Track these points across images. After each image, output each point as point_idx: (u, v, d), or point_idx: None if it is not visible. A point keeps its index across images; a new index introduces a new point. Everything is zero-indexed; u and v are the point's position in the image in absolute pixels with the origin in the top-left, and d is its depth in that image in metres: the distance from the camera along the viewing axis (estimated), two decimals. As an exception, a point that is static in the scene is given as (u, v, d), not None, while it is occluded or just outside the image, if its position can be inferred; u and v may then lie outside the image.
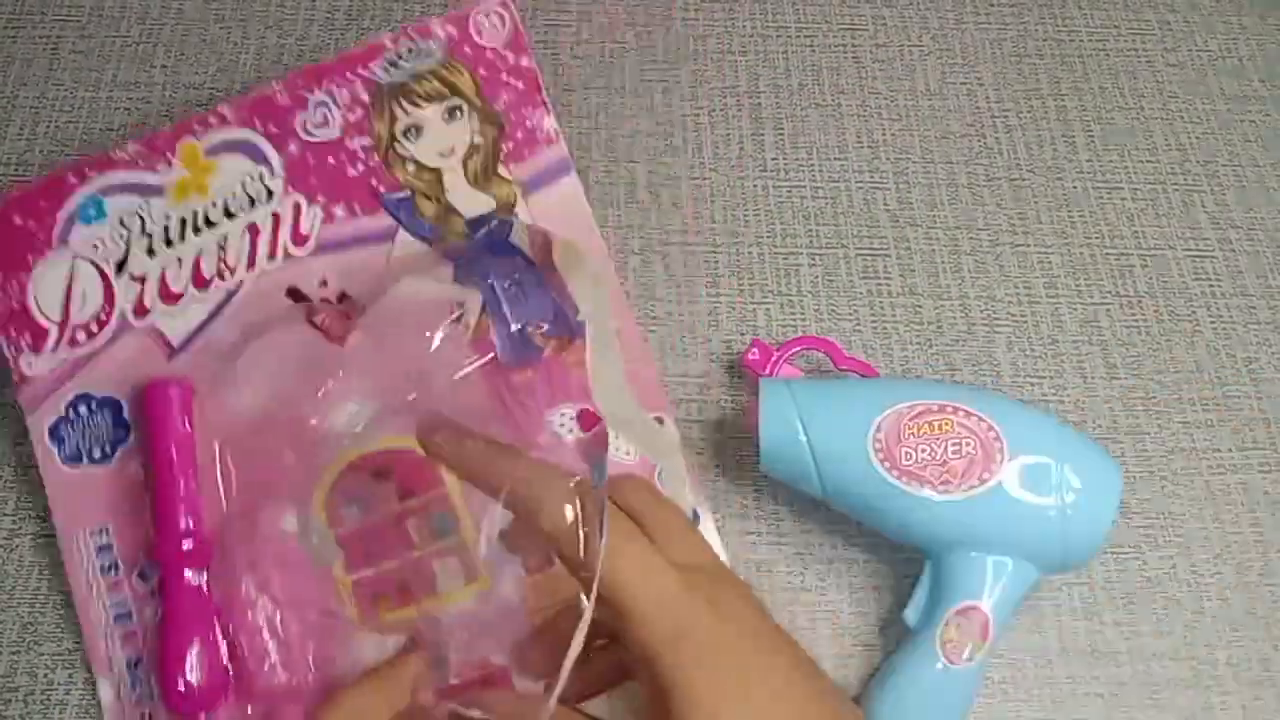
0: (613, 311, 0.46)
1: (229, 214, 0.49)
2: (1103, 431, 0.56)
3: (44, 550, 0.51)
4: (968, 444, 0.46)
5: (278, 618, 0.45)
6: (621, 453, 0.48)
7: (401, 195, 0.49)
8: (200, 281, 0.49)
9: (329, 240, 0.49)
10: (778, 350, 0.54)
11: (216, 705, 0.46)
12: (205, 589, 0.46)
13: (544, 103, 0.49)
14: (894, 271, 0.59)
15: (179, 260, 0.49)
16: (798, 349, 0.54)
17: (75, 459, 0.48)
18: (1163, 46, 0.67)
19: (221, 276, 0.49)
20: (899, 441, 0.47)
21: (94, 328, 0.49)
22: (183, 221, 0.49)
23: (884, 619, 0.51)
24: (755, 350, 0.53)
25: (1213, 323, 0.59)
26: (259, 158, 0.50)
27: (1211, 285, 0.60)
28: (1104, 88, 0.65)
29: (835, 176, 0.61)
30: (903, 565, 0.52)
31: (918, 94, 0.64)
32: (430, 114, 0.49)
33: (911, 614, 0.48)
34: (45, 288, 0.49)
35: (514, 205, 0.49)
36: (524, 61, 0.49)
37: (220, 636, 0.46)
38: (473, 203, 0.49)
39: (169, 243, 0.49)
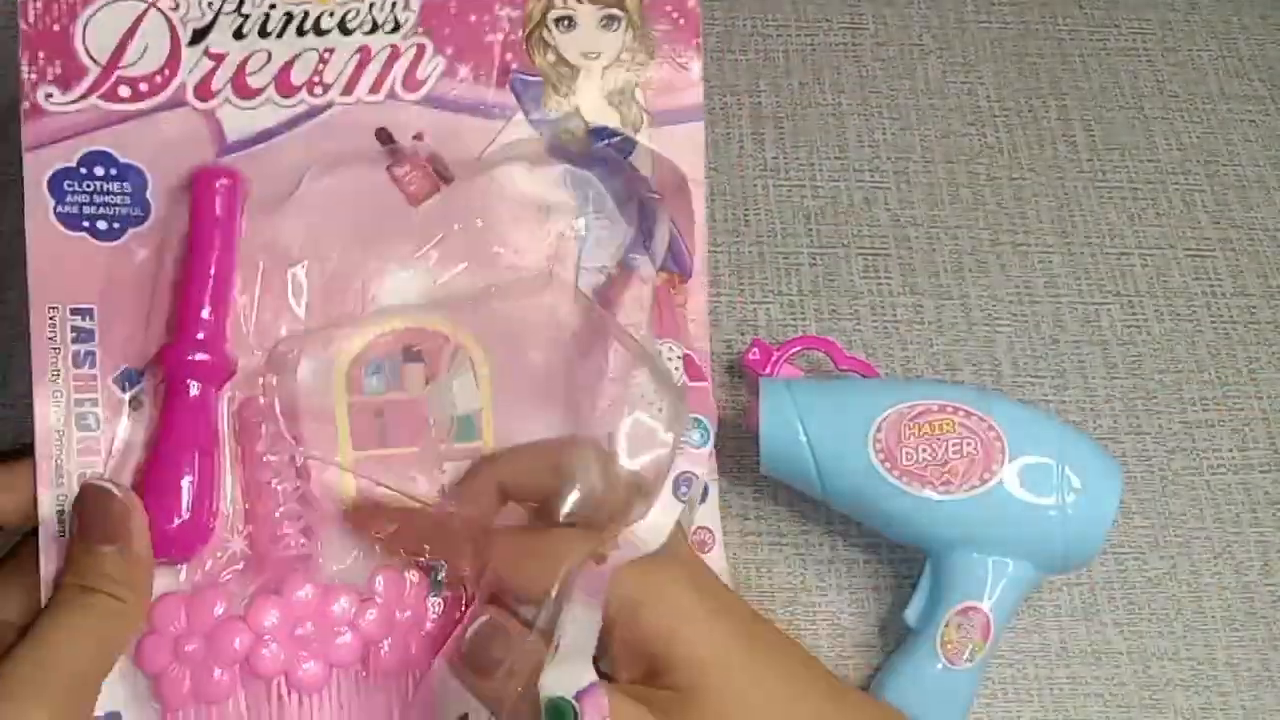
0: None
1: (344, 29, 0.43)
2: (1103, 431, 0.56)
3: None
4: (968, 444, 0.46)
5: (293, 478, 0.42)
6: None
7: (534, 78, 0.45)
8: (285, 87, 0.43)
9: (441, 96, 0.44)
10: (778, 350, 0.54)
11: (194, 552, 0.41)
12: (212, 412, 0.41)
13: (698, 45, 0.46)
14: (894, 271, 0.59)
15: (269, 55, 0.43)
16: (798, 349, 0.54)
17: (73, 222, 0.41)
18: (1163, 46, 0.67)
19: (311, 91, 0.43)
20: (899, 442, 0.47)
21: (143, 87, 0.42)
22: (288, 16, 0.43)
23: (884, 619, 0.51)
24: (755, 350, 0.53)
25: (1213, 323, 0.59)
26: None
27: (1212, 285, 0.60)
28: (1104, 87, 0.65)
29: (835, 176, 0.61)
30: (903, 565, 0.52)
31: (918, 93, 0.64)
32: (589, 12, 0.45)
33: (912, 614, 0.48)
34: (101, 24, 0.41)
35: (638, 130, 0.46)
36: (690, 1, 0.46)
37: (218, 475, 0.41)
38: (600, 113, 0.46)
39: (264, 33, 0.43)
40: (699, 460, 0.42)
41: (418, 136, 0.44)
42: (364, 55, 0.43)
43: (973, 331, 0.58)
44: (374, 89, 0.44)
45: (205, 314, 0.40)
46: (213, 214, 0.41)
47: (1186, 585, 0.52)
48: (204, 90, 0.42)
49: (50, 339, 0.41)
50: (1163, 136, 0.64)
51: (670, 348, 0.44)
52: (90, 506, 0.37)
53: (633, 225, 0.45)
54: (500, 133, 0.44)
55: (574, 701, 0.34)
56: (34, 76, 0.41)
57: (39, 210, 0.41)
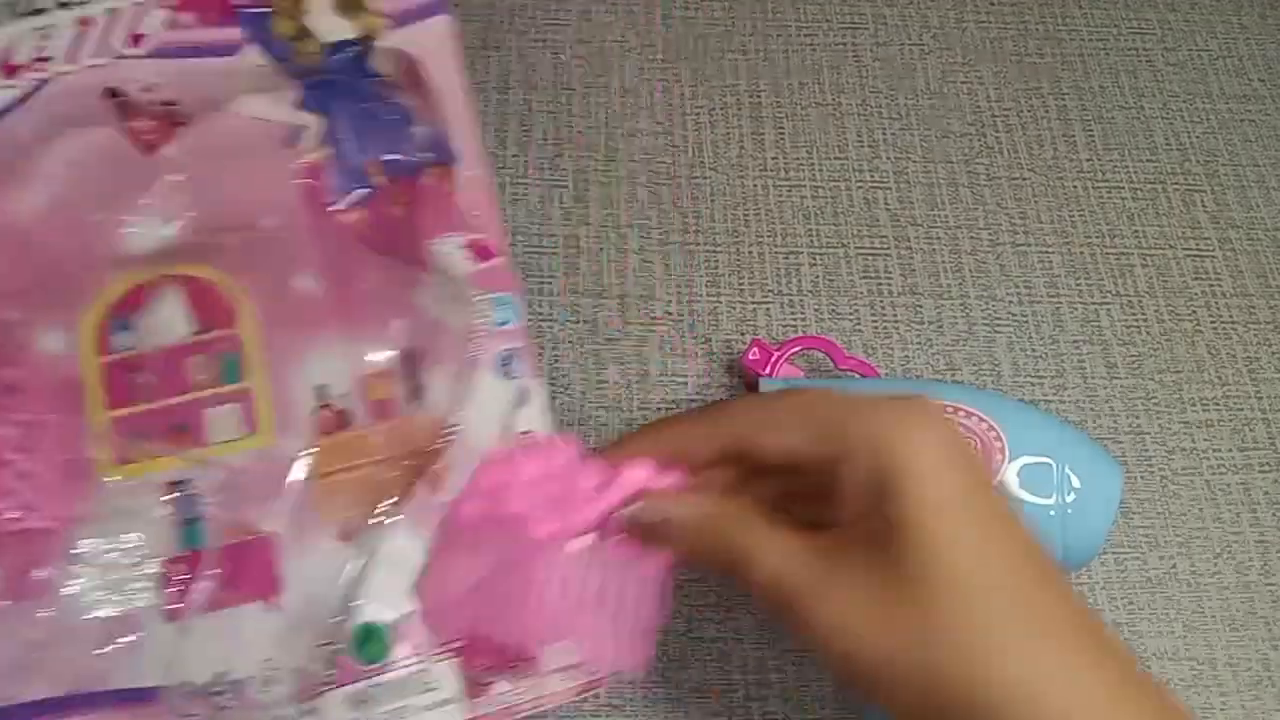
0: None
1: (62, 3, 0.44)
2: (1103, 431, 0.56)
3: None
4: (969, 444, 0.46)
5: (22, 455, 0.40)
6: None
7: (259, 9, 0.45)
8: (8, 70, 0.43)
9: (168, 45, 0.44)
10: (777, 350, 0.54)
11: None
12: None
13: None
14: (894, 271, 0.59)
15: None
16: (798, 349, 0.54)
17: None
18: (1163, 46, 0.67)
19: (35, 69, 0.43)
20: None
21: None
22: (8, 4, 0.44)
23: (884, 619, 0.51)
24: (755, 350, 0.53)
25: (1213, 323, 0.59)
26: None
27: (1211, 285, 0.60)
28: (1104, 87, 0.65)
29: (835, 176, 0.61)
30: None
31: (918, 93, 0.64)
32: None
33: None
34: None
35: (377, 38, 0.46)
36: None
37: None
38: (334, 28, 0.46)
39: None
40: (516, 336, 0.41)
41: (147, 90, 0.43)
42: (83, 24, 0.44)
43: (973, 331, 0.58)
44: (99, 54, 0.44)
45: None
46: None
47: (1186, 585, 0.52)
48: None
49: None
50: (1163, 136, 0.64)
51: (450, 240, 0.44)
52: None
53: (379, 131, 0.44)
54: (235, 67, 0.44)
55: (387, 628, 0.35)
56: None
57: None
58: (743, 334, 0.57)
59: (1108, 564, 0.53)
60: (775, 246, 0.59)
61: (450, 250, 0.43)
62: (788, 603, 0.32)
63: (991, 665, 0.29)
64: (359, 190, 0.44)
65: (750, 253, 0.59)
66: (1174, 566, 0.53)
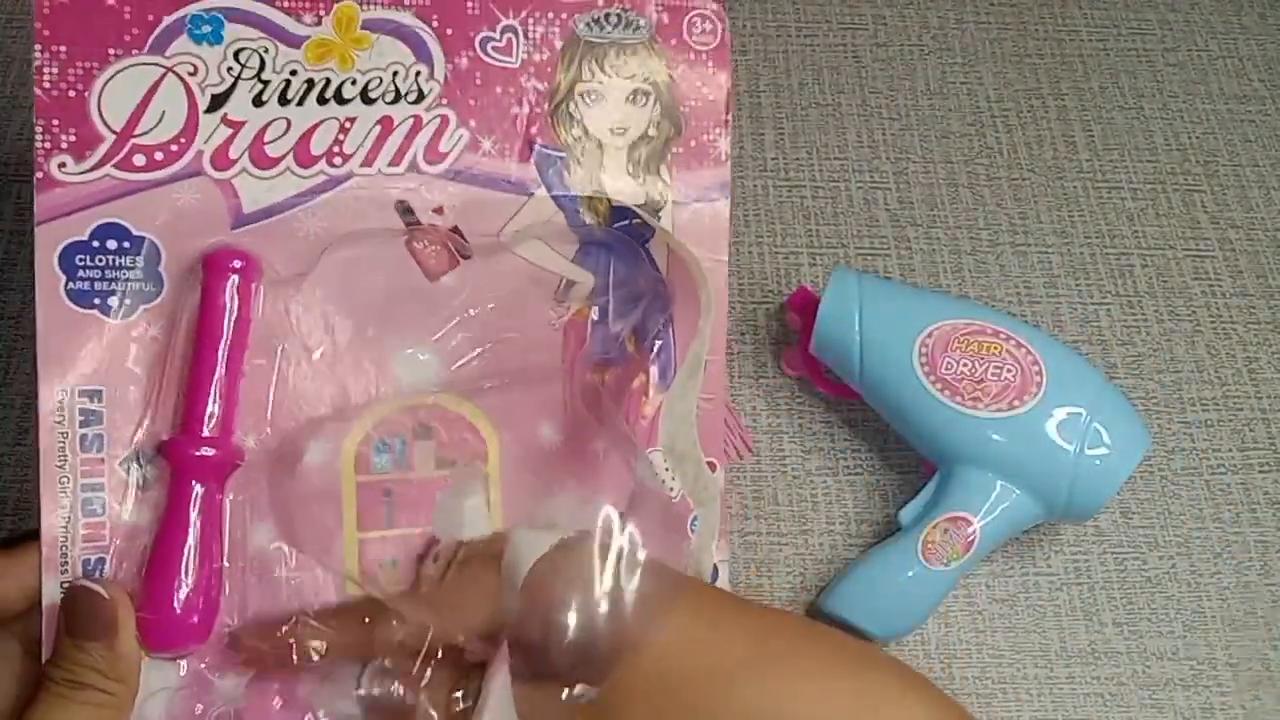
0: (711, 344, 0.43)
1: (366, 98, 0.42)
2: (1103, 431, 0.56)
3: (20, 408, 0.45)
4: (1009, 370, 0.48)
5: (291, 564, 0.41)
6: (667, 486, 0.45)
7: (558, 153, 0.44)
8: (305, 157, 0.41)
9: (464, 169, 0.43)
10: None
11: (191, 647, 0.40)
12: (216, 508, 0.40)
13: (727, 122, 0.45)
14: (894, 271, 0.59)
15: (288, 123, 0.41)
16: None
17: (84, 299, 0.40)
18: (1163, 46, 0.67)
19: (330, 162, 0.42)
20: (945, 351, 0.49)
21: (159, 155, 0.40)
22: (309, 83, 0.41)
23: (884, 619, 0.51)
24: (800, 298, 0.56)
25: (1213, 323, 0.59)
26: (423, 53, 0.43)
27: (1211, 285, 0.60)
28: (1104, 87, 0.65)
29: (835, 176, 0.61)
30: (903, 565, 0.52)
31: (918, 93, 0.64)
32: (617, 86, 0.44)
33: (906, 515, 0.50)
34: (117, 90, 0.40)
35: (661, 209, 0.45)
36: (722, 76, 0.44)
37: (219, 569, 0.40)
38: (623, 191, 0.44)
39: (285, 100, 0.41)
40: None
41: (438, 210, 0.42)
42: (385, 125, 0.42)
43: (972, 331, 0.58)
44: (395, 161, 0.42)
45: (212, 407, 0.39)
46: (223, 299, 0.40)
47: (1186, 585, 0.52)
48: (221, 159, 0.41)
49: (58, 423, 0.39)
50: (1163, 136, 0.64)
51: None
52: (78, 606, 0.37)
53: (636, 312, 0.45)
54: (522, 208, 0.43)
55: None
56: (47, 144, 0.40)
57: (49, 286, 0.39)
58: (743, 334, 0.57)
59: (1107, 564, 0.53)
60: (775, 246, 0.59)
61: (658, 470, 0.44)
62: None
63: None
64: (614, 356, 0.44)
65: (750, 253, 0.59)
66: (1174, 566, 0.53)
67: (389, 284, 0.42)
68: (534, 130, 0.44)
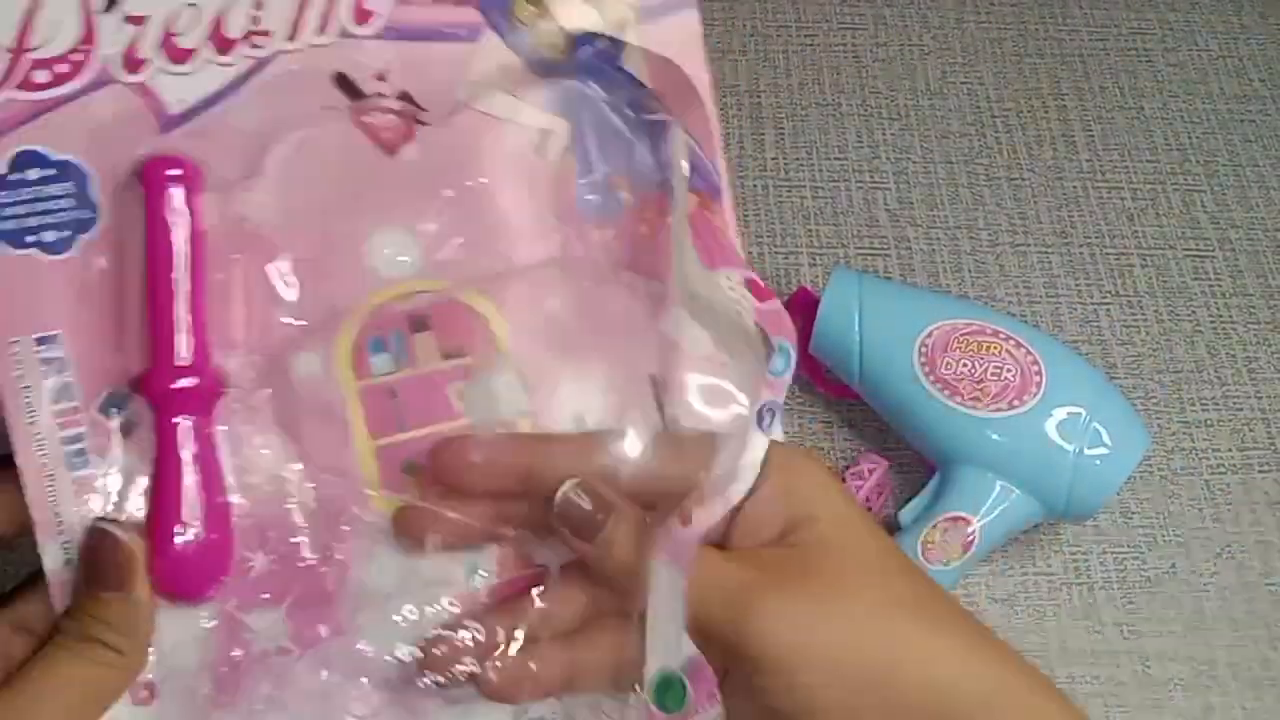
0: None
1: None
2: (1103, 431, 0.56)
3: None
4: (1008, 370, 0.48)
5: (303, 487, 0.38)
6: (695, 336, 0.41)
7: None
8: (222, 43, 0.37)
9: (399, 25, 0.38)
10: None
11: (210, 589, 0.37)
12: (210, 441, 0.37)
13: None
14: (894, 271, 0.59)
15: (196, 8, 0.37)
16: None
17: (16, 239, 0.36)
18: (1163, 46, 0.67)
19: (251, 42, 0.37)
20: (944, 351, 0.49)
21: (62, 68, 0.36)
22: None
23: (884, 619, 0.51)
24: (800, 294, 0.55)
25: (1213, 323, 0.59)
26: None
27: (1211, 285, 0.60)
28: (1104, 87, 0.65)
29: (835, 176, 0.61)
30: (903, 565, 0.52)
31: (918, 93, 0.64)
32: None
33: (907, 515, 0.50)
34: None
35: (624, 29, 0.40)
36: None
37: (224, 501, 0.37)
38: (578, 16, 0.39)
39: None
40: (780, 388, 0.38)
41: (379, 77, 0.38)
42: None
43: (972, 331, 0.58)
44: (321, 28, 0.38)
45: (180, 335, 0.36)
46: (168, 214, 0.36)
47: (1186, 585, 0.52)
48: (131, 61, 0.36)
49: (18, 377, 0.35)
50: (1163, 136, 0.64)
51: (727, 277, 0.40)
52: (96, 551, 0.35)
53: (643, 143, 0.40)
54: (472, 57, 0.39)
55: (683, 674, 0.33)
56: None
57: None
58: (742, 334, 0.57)
59: (1108, 564, 0.53)
60: (775, 247, 0.59)
61: (733, 287, 0.40)
62: (731, 610, 0.34)
63: (896, 646, 0.34)
64: (607, 206, 0.40)
65: (751, 253, 0.59)
66: (1174, 566, 0.53)
67: (345, 168, 0.38)
68: None
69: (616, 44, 0.39)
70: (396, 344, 0.38)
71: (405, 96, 0.38)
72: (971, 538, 0.48)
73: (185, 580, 0.37)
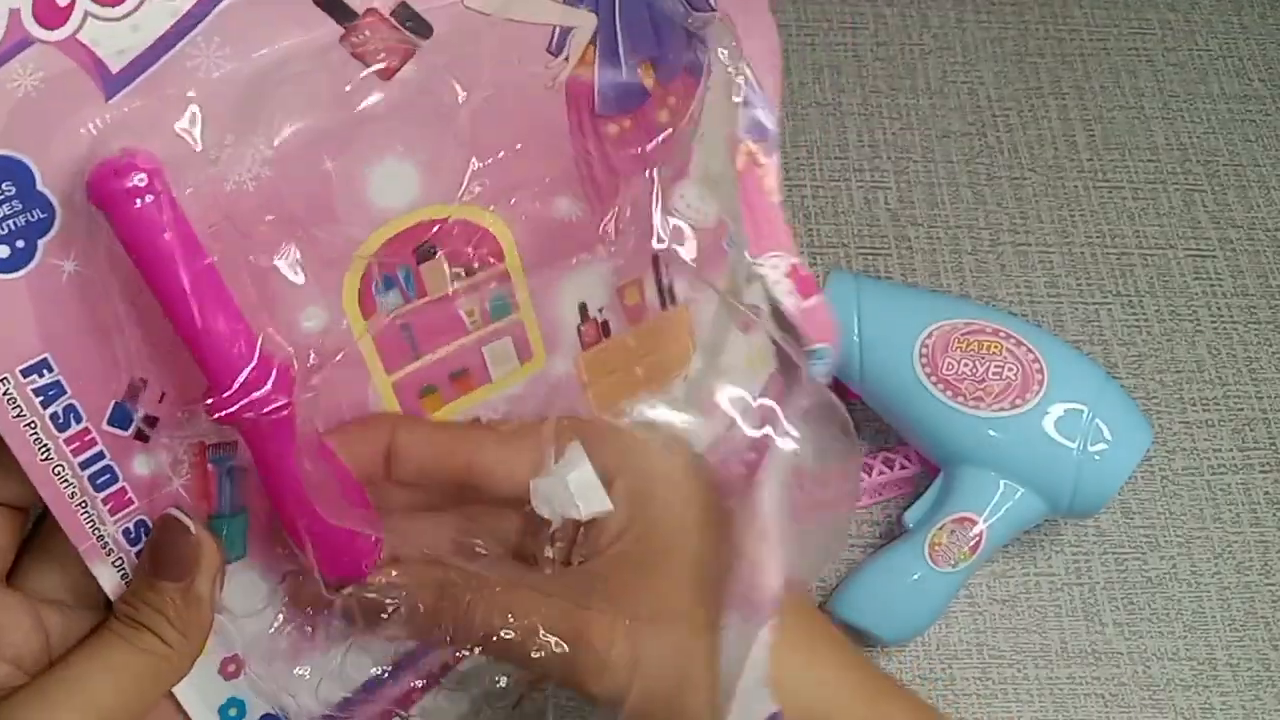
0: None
1: None
2: (1103, 431, 0.56)
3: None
4: (1010, 369, 0.48)
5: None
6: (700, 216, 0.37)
7: None
8: None
9: None
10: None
11: (375, 559, 0.36)
12: (293, 425, 0.33)
13: None
14: (895, 271, 0.59)
15: None
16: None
17: None
18: (1163, 46, 0.67)
19: None
20: (945, 351, 0.49)
21: None
22: None
23: (884, 619, 0.51)
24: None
25: (1213, 323, 0.59)
26: None
27: (1212, 285, 0.60)
28: (1105, 87, 0.65)
29: (835, 176, 0.61)
30: (903, 565, 0.52)
31: (918, 93, 0.64)
32: None
33: (911, 516, 0.50)
34: None
35: None
36: None
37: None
38: None
39: None
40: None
41: None
42: None
43: (973, 331, 0.58)
44: None
45: (230, 353, 0.31)
46: (156, 242, 0.29)
47: (1186, 585, 0.52)
48: (48, 13, 0.27)
49: (17, 418, 0.31)
50: (1163, 136, 0.64)
51: (774, 266, 0.36)
52: (163, 540, 0.34)
53: (656, 34, 0.34)
54: None
55: None
56: None
57: None
58: (743, 334, 0.57)
59: (1108, 564, 0.53)
60: (775, 246, 0.59)
61: (776, 277, 0.37)
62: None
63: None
64: (629, 99, 0.35)
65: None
66: (1174, 566, 0.53)
67: (337, 96, 0.31)
68: None
69: None
70: (404, 278, 0.34)
71: (401, 8, 0.31)
72: (979, 538, 0.48)
73: (352, 561, 0.36)
